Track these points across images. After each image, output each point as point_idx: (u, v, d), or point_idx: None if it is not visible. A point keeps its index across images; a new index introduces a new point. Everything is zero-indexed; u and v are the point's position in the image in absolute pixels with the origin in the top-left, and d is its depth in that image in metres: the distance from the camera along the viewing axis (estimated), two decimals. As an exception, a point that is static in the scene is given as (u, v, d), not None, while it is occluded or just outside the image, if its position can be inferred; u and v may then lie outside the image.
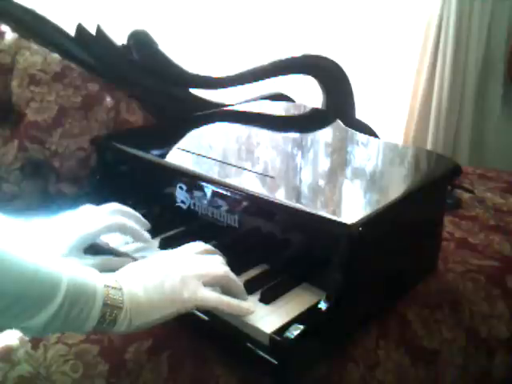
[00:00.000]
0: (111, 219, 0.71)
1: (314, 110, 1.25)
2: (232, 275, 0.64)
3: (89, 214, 0.71)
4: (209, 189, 0.78)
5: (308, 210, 0.69)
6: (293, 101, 1.37)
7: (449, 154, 1.85)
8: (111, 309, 0.52)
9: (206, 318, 0.64)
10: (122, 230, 0.72)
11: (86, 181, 1.09)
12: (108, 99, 1.13)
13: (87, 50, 1.14)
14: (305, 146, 1.02)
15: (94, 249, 0.71)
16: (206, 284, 0.60)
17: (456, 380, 0.82)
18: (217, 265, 0.64)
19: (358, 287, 0.66)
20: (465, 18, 1.76)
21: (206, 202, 0.79)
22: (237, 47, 1.58)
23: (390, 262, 0.74)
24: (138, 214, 0.77)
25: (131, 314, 0.54)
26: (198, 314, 0.64)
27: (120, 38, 1.17)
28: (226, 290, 0.63)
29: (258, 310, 0.64)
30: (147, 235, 0.76)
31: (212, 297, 0.60)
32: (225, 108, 1.26)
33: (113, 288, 0.54)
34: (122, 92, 1.16)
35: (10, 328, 0.56)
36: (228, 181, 0.78)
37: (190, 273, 0.60)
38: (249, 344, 0.61)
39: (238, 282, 0.64)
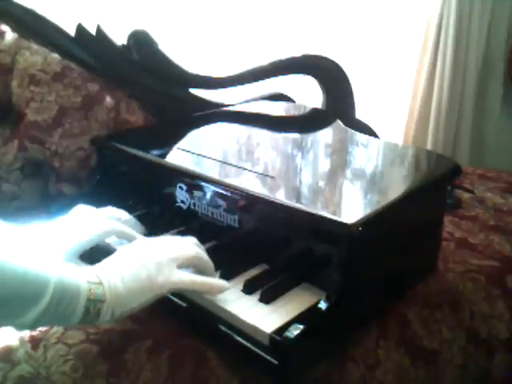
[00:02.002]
0: (108, 225, 0.72)
1: (314, 110, 1.25)
2: (203, 255, 0.67)
3: (85, 220, 0.71)
4: (209, 189, 0.78)
5: (308, 209, 0.69)
6: (293, 101, 1.37)
7: (449, 154, 1.85)
8: (94, 303, 0.56)
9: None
10: (118, 235, 0.73)
11: (85, 181, 1.09)
12: (108, 99, 1.13)
13: (87, 50, 1.14)
14: (305, 146, 1.01)
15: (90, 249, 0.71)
16: (180, 266, 0.64)
17: (456, 380, 0.82)
18: (188, 246, 0.67)
19: (357, 287, 0.66)
20: (465, 18, 1.76)
21: (205, 201, 0.79)
22: (237, 47, 1.57)
23: (389, 262, 0.74)
24: (132, 218, 0.78)
25: (112, 305, 0.57)
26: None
27: (120, 38, 1.17)
28: (198, 269, 0.67)
29: (258, 310, 0.64)
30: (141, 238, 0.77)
31: (186, 279, 0.63)
32: (225, 108, 1.26)
33: (94, 284, 0.57)
34: (122, 92, 1.16)
35: (0, 326, 0.58)
36: (228, 181, 0.78)
37: (164, 258, 0.63)
38: (249, 344, 0.61)
39: (209, 261, 0.68)
